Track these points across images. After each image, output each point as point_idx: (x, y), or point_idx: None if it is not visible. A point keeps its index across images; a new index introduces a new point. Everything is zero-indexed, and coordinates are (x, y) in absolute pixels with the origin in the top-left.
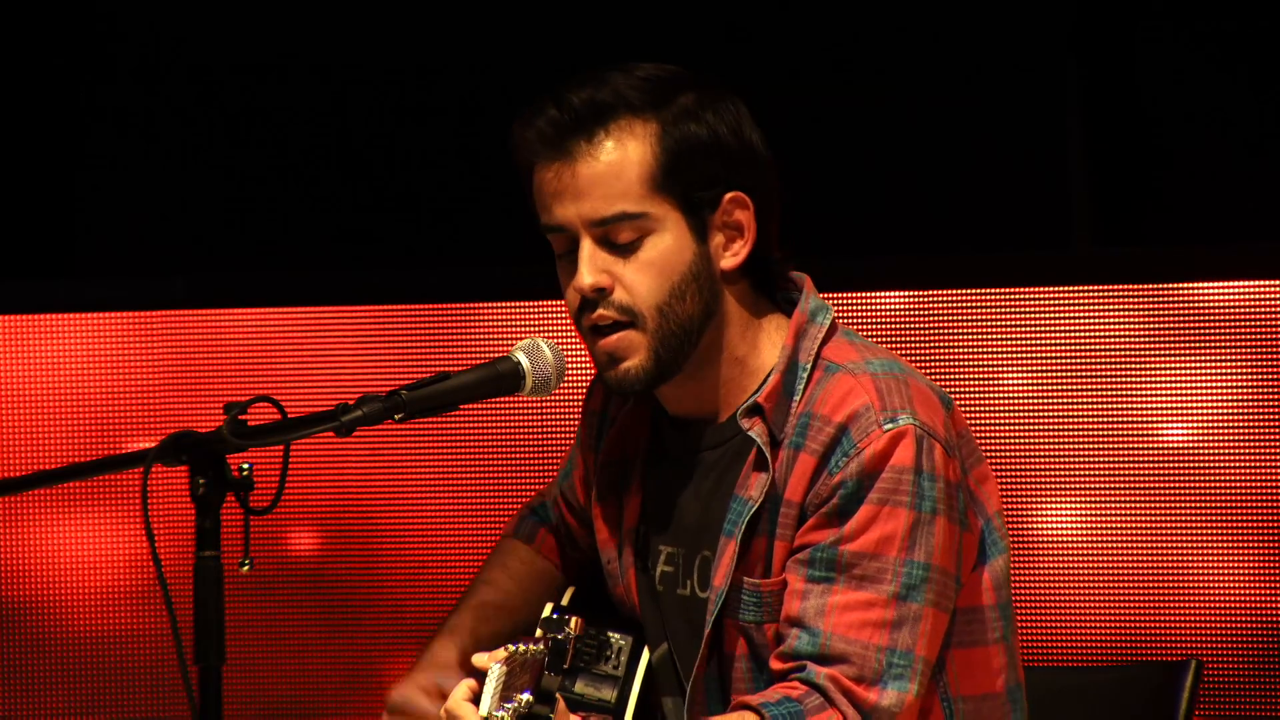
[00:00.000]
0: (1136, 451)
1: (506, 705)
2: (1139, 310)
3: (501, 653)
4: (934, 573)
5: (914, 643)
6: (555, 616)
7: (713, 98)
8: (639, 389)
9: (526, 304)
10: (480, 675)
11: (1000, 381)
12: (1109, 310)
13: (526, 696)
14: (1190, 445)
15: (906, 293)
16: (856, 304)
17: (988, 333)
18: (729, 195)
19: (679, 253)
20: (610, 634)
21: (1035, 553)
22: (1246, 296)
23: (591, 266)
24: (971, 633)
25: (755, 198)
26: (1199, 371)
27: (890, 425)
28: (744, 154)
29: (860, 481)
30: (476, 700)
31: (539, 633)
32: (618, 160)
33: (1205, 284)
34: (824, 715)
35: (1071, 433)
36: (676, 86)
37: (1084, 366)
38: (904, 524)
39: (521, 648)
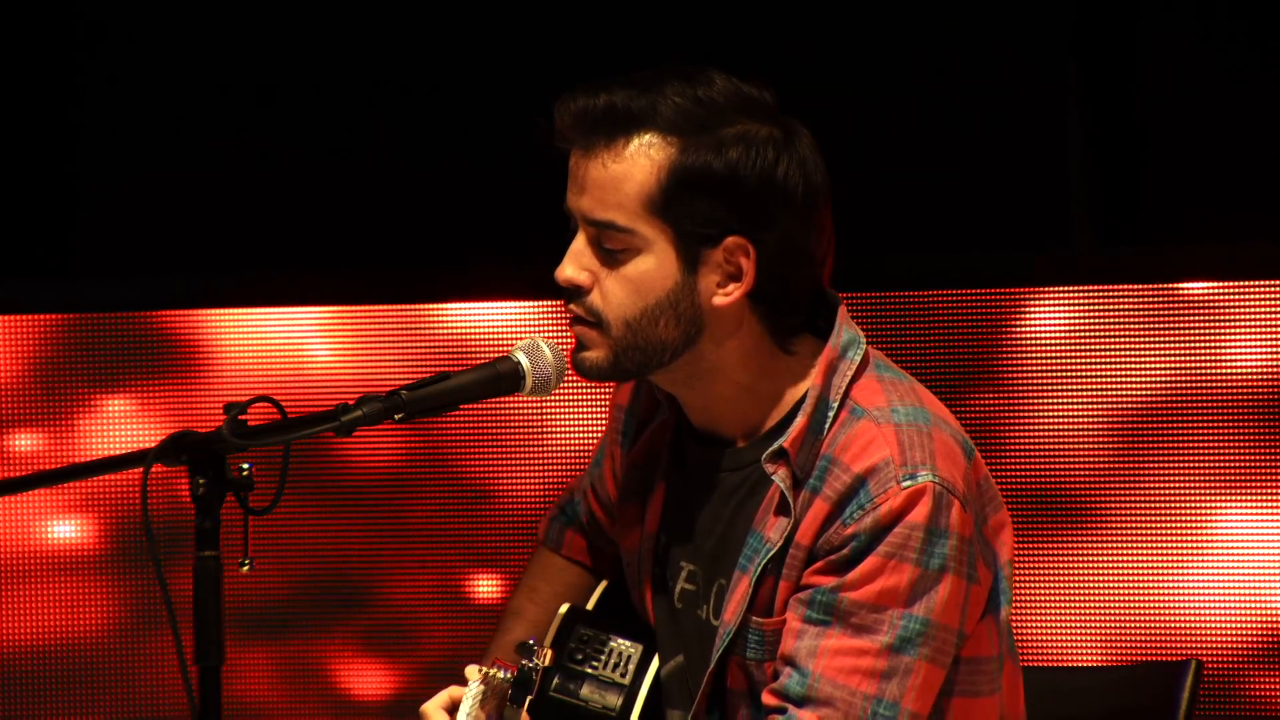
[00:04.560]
0: (1134, 450)
1: None
2: (1139, 310)
3: (480, 671)
4: (933, 628)
5: (901, 694)
6: (530, 644)
7: (760, 136)
8: (594, 379)
9: (526, 304)
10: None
11: (1000, 381)
12: (1109, 310)
13: None
14: (1189, 444)
15: (906, 293)
16: (857, 304)
17: (988, 333)
18: (731, 239)
19: (660, 279)
20: (621, 640)
21: (1035, 553)
22: (1246, 296)
23: (575, 262)
24: (975, 683)
25: (762, 246)
26: (1199, 371)
27: (909, 482)
28: (764, 200)
29: (873, 535)
30: (453, 710)
31: (516, 657)
32: (623, 172)
33: (1205, 284)
34: None
35: (1071, 433)
36: (726, 114)
37: (1084, 366)
38: (907, 579)
39: (495, 672)
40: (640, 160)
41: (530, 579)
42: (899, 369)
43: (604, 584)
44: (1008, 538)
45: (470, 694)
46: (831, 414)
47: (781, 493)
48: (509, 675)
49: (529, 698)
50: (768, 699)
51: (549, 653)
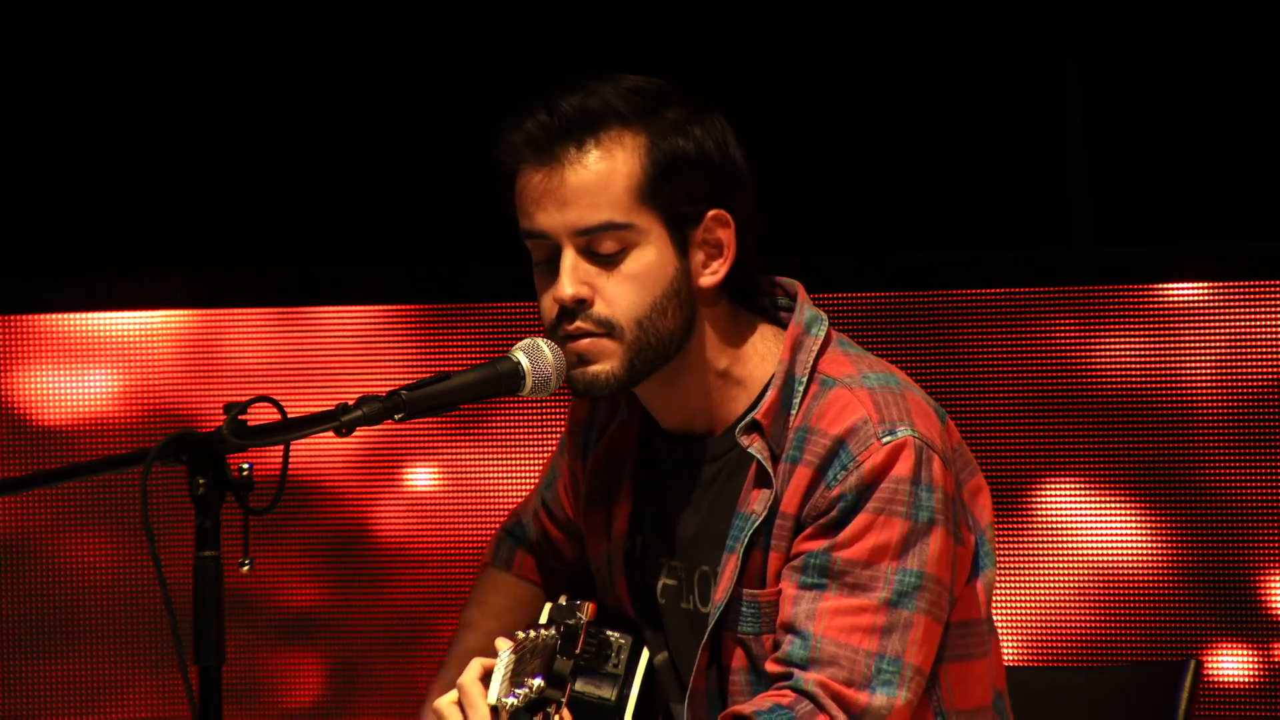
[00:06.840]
0: (1135, 451)
1: (517, 691)
2: (1139, 310)
3: (511, 641)
4: (927, 581)
5: (904, 649)
6: (566, 603)
7: (699, 113)
8: (606, 394)
9: (526, 304)
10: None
11: (1000, 381)
12: (1109, 310)
13: (538, 681)
14: (1190, 445)
15: (906, 293)
16: (856, 304)
17: (988, 333)
18: (712, 212)
19: (661, 267)
20: (610, 632)
21: (1034, 552)
22: (1246, 296)
23: (573, 277)
24: (966, 646)
25: (737, 216)
26: (1199, 372)
27: (889, 438)
28: (728, 171)
29: (859, 493)
30: (487, 681)
31: (546, 618)
32: (606, 170)
33: (1205, 284)
34: None
35: (1070, 433)
36: (664, 100)
37: (1084, 366)
38: (898, 533)
39: (531, 634)
40: (618, 153)
41: (479, 594)
42: (862, 349)
43: (564, 596)
44: (985, 502)
45: (502, 663)
46: (801, 389)
47: (760, 466)
48: (553, 632)
49: (576, 650)
50: (771, 667)
51: (591, 606)
